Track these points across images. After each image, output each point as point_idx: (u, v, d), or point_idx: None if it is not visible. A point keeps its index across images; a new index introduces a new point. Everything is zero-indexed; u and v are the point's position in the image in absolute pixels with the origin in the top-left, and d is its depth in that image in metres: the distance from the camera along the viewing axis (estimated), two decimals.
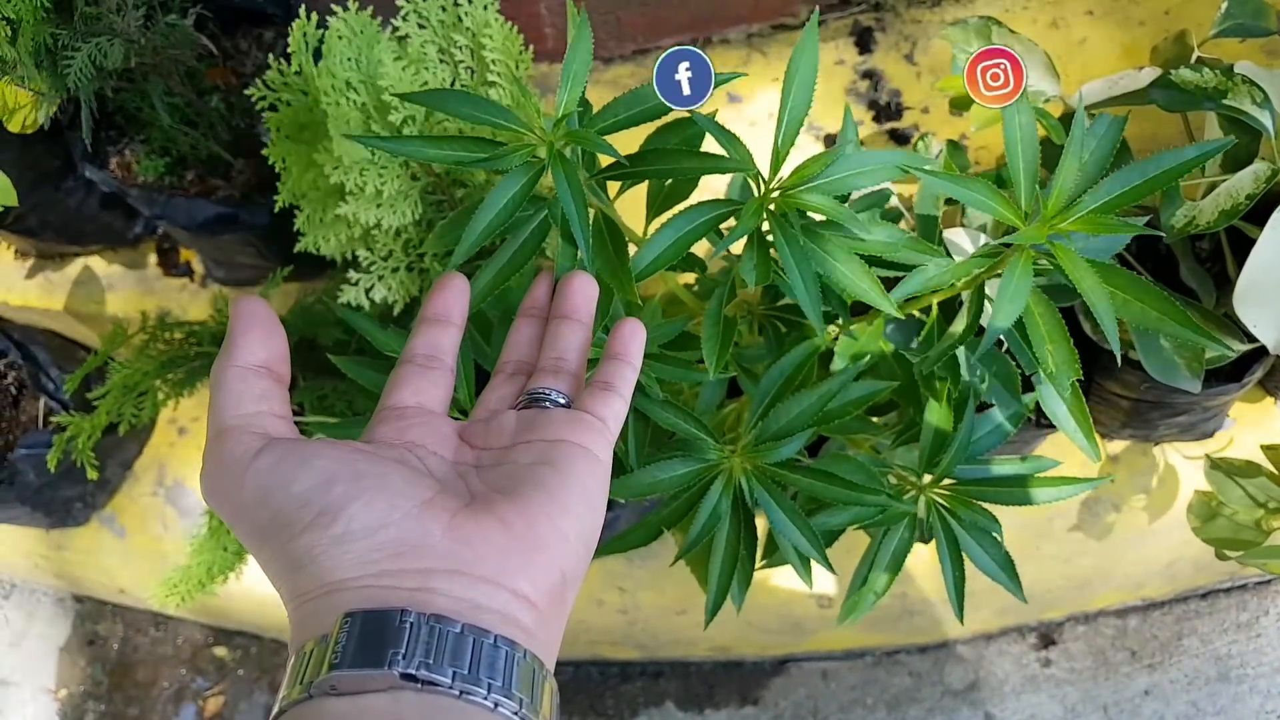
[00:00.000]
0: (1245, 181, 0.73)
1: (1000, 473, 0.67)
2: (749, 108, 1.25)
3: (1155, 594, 1.37)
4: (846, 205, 0.67)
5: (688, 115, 0.54)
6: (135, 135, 1.16)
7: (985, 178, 0.67)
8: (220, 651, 1.59)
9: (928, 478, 0.67)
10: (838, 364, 0.65)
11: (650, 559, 1.29)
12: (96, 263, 1.44)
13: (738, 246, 0.56)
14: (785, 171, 0.54)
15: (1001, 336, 0.60)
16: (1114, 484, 1.20)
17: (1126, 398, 1.07)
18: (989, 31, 0.82)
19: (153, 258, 1.43)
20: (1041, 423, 1.07)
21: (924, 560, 1.23)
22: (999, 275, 0.55)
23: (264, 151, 0.83)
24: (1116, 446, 1.21)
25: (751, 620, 1.33)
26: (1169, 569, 1.29)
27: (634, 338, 0.47)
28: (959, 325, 0.55)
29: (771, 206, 0.54)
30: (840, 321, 0.65)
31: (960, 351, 0.64)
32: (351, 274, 0.82)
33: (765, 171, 0.54)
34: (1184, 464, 1.19)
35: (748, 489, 0.61)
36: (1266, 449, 0.96)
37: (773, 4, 1.16)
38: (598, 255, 0.54)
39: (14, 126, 0.92)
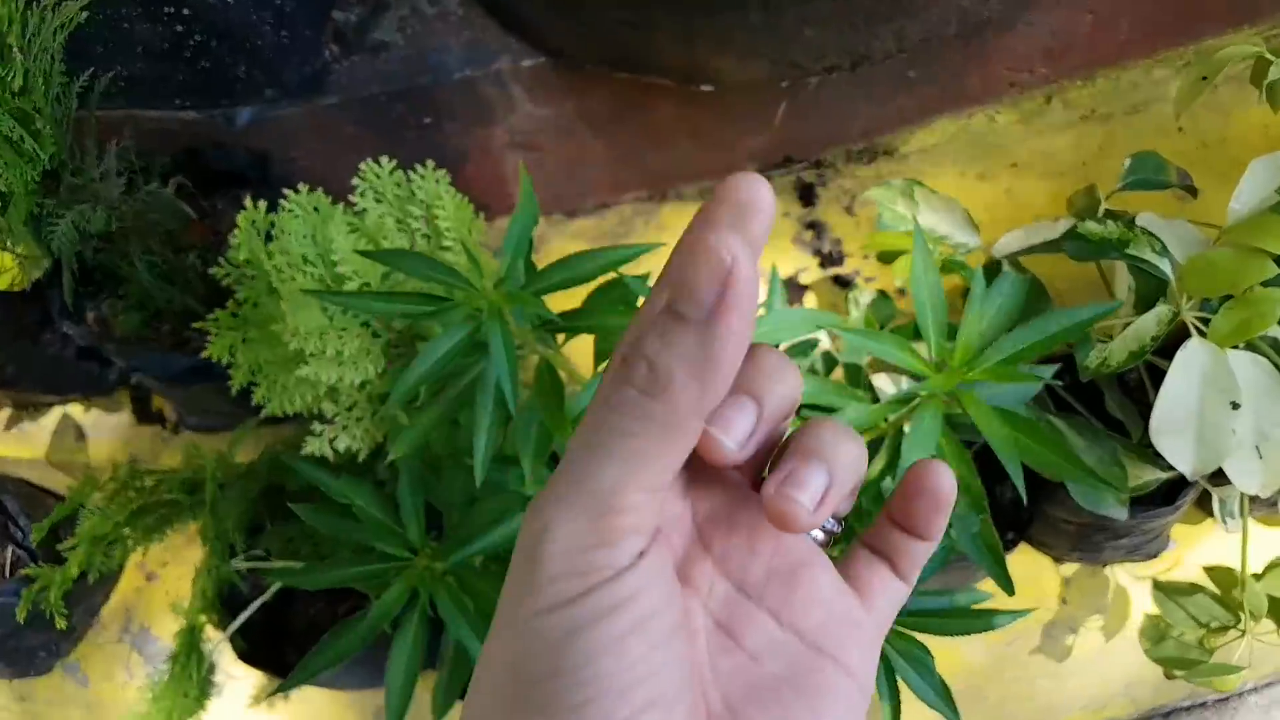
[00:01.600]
0: (1149, 324, 0.79)
1: (933, 605, 0.70)
2: None
3: (1119, 714, 1.38)
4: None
5: (621, 275, 0.59)
6: (114, 290, 1.21)
7: (904, 331, 0.73)
8: None
9: None
10: None
11: None
12: (72, 411, 1.48)
13: None
14: None
15: None
16: (1067, 605, 1.23)
17: (1071, 522, 1.11)
18: (912, 191, 0.89)
19: (127, 405, 1.47)
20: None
21: (907, 696, 1.24)
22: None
23: (205, 353, 0.89)
24: (1069, 569, 1.24)
25: None
26: (1128, 690, 1.31)
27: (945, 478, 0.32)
28: (877, 465, 0.59)
29: None
30: None
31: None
32: (315, 425, 0.86)
33: None
34: (1133, 585, 1.22)
35: None
36: (1208, 570, 0.99)
37: (722, 161, 1.24)
38: (538, 397, 0.59)
39: (1, 286, 0.97)
